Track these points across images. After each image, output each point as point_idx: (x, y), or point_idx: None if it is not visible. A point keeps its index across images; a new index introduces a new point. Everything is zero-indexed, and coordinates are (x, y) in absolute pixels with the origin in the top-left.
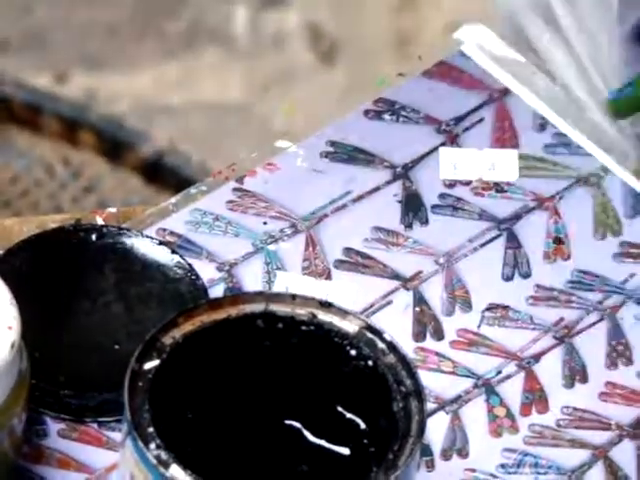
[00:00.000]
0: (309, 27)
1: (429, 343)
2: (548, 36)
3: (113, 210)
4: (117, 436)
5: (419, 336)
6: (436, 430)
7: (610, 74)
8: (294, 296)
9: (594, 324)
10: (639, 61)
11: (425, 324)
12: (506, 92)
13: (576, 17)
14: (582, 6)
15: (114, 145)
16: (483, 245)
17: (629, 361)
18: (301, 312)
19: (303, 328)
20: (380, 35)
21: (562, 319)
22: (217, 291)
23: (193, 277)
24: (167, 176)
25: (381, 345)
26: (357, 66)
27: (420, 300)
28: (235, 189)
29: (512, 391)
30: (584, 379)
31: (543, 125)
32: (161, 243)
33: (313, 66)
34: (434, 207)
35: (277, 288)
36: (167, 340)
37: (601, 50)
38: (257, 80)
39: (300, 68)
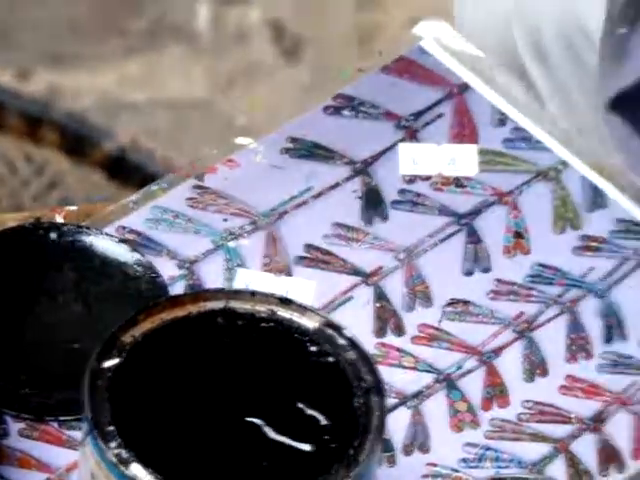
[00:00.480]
0: (272, 23)
1: (390, 339)
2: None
3: (73, 208)
4: (78, 435)
5: (380, 332)
6: (397, 425)
7: (590, 138)
8: (254, 293)
9: (554, 318)
10: (619, 130)
11: (386, 320)
12: (465, 87)
13: (552, 80)
14: (559, 72)
15: (77, 142)
16: (443, 240)
17: (589, 355)
18: (261, 309)
19: (263, 325)
20: (343, 31)
21: (522, 313)
22: (178, 288)
23: (153, 275)
24: (131, 173)
25: (341, 341)
26: (321, 62)
27: (381, 296)
28: (195, 186)
29: (473, 386)
30: (544, 373)
31: (502, 120)
32: (121, 241)
33: (276, 63)
34: (394, 203)
35: (238, 285)
36: (127, 338)
37: (580, 115)
38: (220, 77)
39: (263, 65)
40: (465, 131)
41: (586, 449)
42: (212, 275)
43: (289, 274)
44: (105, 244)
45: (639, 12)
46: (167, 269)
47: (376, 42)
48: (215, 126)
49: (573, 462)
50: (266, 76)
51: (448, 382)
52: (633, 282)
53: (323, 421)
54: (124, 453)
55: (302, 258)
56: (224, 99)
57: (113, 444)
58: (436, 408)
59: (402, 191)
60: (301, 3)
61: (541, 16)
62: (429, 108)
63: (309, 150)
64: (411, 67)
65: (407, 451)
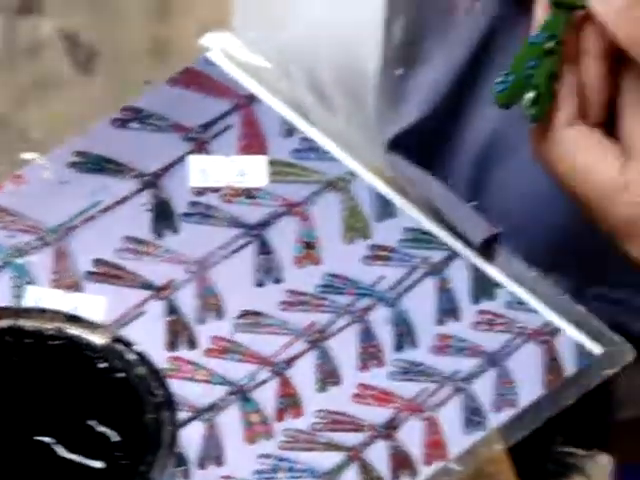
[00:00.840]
0: (65, 35)
1: (182, 352)
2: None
3: None
4: None
5: (172, 345)
6: (191, 439)
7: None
8: (42, 310)
9: (345, 327)
10: (402, 168)
11: (178, 333)
12: (252, 98)
13: (332, 121)
14: (339, 113)
15: None
16: (234, 252)
17: (380, 363)
18: (49, 326)
19: (51, 342)
20: (138, 43)
21: (314, 323)
22: None
23: None
24: None
25: (131, 357)
26: (116, 74)
27: (172, 309)
28: None
29: (267, 397)
30: (337, 382)
31: (290, 131)
32: None
33: (71, 75)
34: (184, 215)
35: (27, 303)
36: None
37: (361, 154)
38: (14, 90)
39: (57, 77)
40: (254, 142)
41: (378, 456)
42: (0, 293)
43: (79, 290)
44: None
45: (415, 53)
46: None
47: (170, 54)
48: (8, 140)
49: (366, 469)
50: (60, 89)
51: (241, 394)
52: (422, 290)
53: (114, 437)
54: None
55: (92, 273)
56: (18, 113)
57: None
58: (230, 420)
59: (192, 203)
60: (95, 14)
61: (317, 58)
62: (217, 120)
63: (97, 164)
64: (198, 78)
65: (201, 465)
